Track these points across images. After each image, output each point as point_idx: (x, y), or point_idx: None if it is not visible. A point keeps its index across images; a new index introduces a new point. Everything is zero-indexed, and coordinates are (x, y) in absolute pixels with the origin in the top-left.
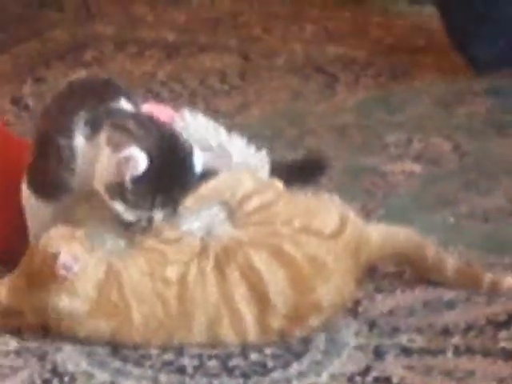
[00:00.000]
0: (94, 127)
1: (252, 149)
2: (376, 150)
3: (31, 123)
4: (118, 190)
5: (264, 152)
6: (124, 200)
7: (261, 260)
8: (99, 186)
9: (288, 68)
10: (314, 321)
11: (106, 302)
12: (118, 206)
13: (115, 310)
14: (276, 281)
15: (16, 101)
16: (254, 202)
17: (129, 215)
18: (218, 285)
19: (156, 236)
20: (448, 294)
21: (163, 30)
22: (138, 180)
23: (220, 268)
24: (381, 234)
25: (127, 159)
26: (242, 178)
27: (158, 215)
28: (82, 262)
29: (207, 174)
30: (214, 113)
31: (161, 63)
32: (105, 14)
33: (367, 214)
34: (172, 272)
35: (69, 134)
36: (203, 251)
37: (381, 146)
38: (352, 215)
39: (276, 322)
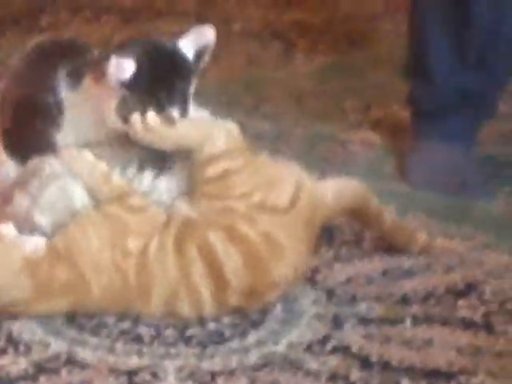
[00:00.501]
0: (76, 77)
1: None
2: (334, 117)
3: None
4: (123, 104)
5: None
6: (133, 110)
7: (216, 238)
8: (112, 121)
9: (245, 33)
10: (271, 296)
11: (48, 284)
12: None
13: (67, 287)
14: (231, 259)
15: None
16: (216, 168)
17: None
18: (176, 260)
19: (122, 202)
20: (407, 263)
21: None
22: (134, 85)
23: (179, 243)
24: (333, 193)
25: (111, 66)
26: (216, 135)
27: (174, 112)
28: None
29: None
30: None
31: (117, 28)
32: None
33: None
34: (133, 243)
35: (53, 90)
36: (166, 224)
37: (339, 113)
38: (308, 183)
39: (232, 299)
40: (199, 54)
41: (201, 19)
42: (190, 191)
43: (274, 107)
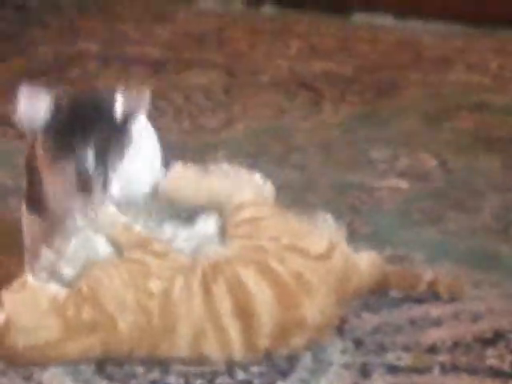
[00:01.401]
0: None
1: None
2: (362, 166)
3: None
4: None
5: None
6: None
7: (248, 276)
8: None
9: (273, 84)
10: (298, 339)
11: (75, 323)
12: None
13: (94, 326)
14: (263, 297)
15: (1, 119)
16: (246, 213)
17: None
18: (203, 300)
19: (145, 248)
20: (434, 311)
21: (148, 46)
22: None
23: (207, 283)
24: (368, 263)
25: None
26: (242, 187)
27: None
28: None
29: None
30: (199, 129)
31: (146, 80)
32: (89, 31)
33: (353, 231)
34: (155, 284)
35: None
36: (191, 267)
37: (367, 163)
38: (342, 243)
39: (261, 339)
40: (130, 115)
41: (229, 71)
42: (222, 235)
43: (302, 156)
